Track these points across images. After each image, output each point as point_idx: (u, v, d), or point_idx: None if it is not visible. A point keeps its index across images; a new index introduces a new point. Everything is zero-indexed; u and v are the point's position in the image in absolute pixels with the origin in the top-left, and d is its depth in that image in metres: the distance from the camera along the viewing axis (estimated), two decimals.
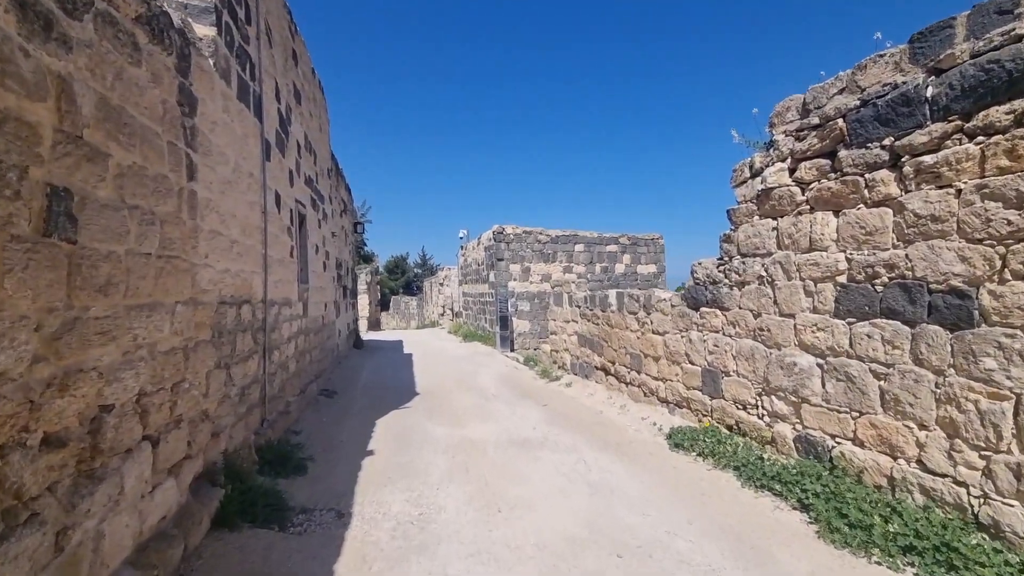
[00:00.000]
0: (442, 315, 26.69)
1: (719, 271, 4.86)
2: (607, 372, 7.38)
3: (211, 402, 3.46)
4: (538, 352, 14.02)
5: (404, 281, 58.00)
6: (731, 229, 4.71)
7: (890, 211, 3.34)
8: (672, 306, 5.63)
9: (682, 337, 5.49)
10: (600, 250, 16.34)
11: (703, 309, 5.13)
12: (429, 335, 20.28)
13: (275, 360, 5.21)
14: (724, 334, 4.82)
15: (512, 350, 14.31)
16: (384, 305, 42.66)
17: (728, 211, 4.73)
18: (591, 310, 7.89)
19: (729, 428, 4.76)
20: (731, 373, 4.73)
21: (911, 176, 3.20)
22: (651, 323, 6.08)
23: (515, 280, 15.31)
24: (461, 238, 20.61)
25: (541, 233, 15.62)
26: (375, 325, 26.56)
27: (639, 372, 6.40)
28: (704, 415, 5.14)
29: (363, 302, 22.53)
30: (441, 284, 26.92)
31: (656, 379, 6.01)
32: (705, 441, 4.59)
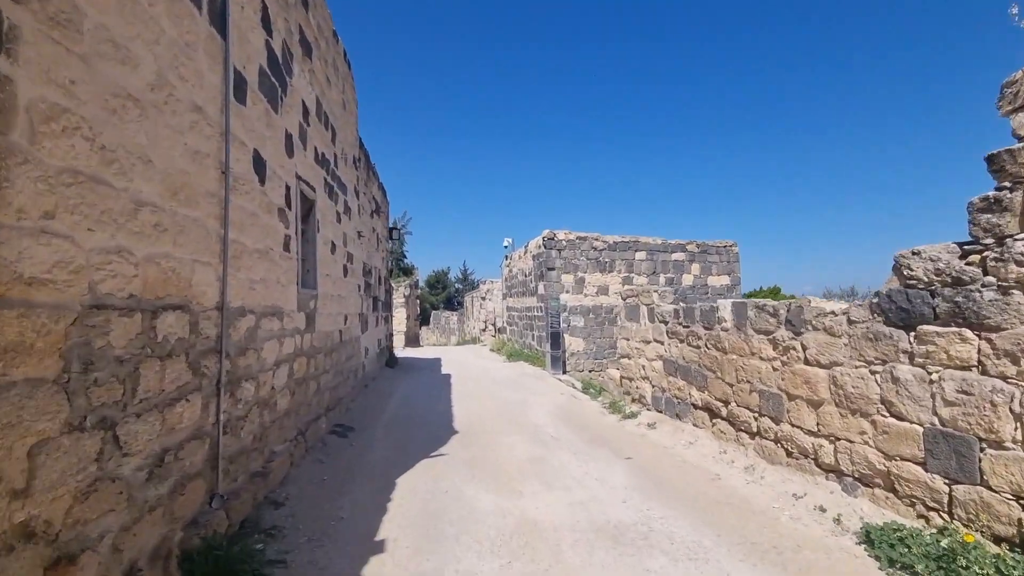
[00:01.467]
0: (484, 331, 25.00)
1: (969, 264, 2.84)
2: (714, 414, 5.35)
3: (44, 503, 1.74)
4: (599, 377, 12.02)
5: (445, 296, 57.07)
6: (1002, 188, 2.69)
7: None
8: (850, 322, 3.60)
9: (872, 373, 3.45)
10: (664, 259, 14.24)
11: (926, 328, 3.09)
12: (470, 353, 18.59)
13: (246, 397, 3.52)
14: (987, 372, 2.77)
15: (564, 372, 12.36)
16: (424, 320, 41.52)
17: (992, 157, 2.71)
18: (686, 326, 5.91)
19: (1006, 542, 2.68)
20: (1008, 442, 2.67)
21: None
22: (803, 348, 4.06)
23: (568, 292, 13.41)
24: (506, 247, 18.93)
25: (597, 239, 13.71)
26: (414, 341, 25.17)
27: (777, 420, 4.36)
28: (934, 508, 3.06)
29: (400, 316, 21.16)
30: (483, 298, 25.28)
31: (815, 434, 3.96)
32: (969, 568, 2.52)
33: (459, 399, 8.70)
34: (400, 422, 6.83)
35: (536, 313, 14.37)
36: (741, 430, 4.86)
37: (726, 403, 5.12)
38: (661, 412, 6.46)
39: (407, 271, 30.57)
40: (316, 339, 5.46)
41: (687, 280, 14.40)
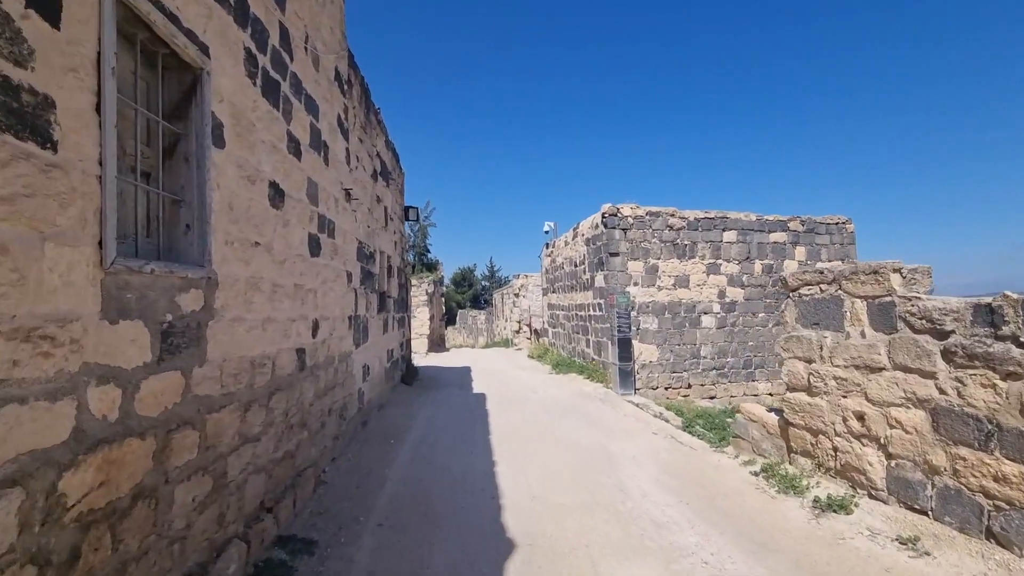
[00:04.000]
0: (517, 332, 21.97)
1: None
2: None
3: None
4: (682, 400, 8.89)
5: (471, 294, 54.43)
6: None
7: None
8: None
9: None
10: (760, 240, 10.92)
11: None
12: (503, 359, 15.57)
13: None
14: None
15: (635, 390, 9.21)
16: (450, 320, 38.85)
17: None
18: (1005, 344, 2.71)
19: None
20: None
21: None
22: None
23: (636, 285, 10.24)
24: (547, 232, 15.84)
25: (673, 215, 10.48)
26: (438, 344, 22.36)
27: None
28: None
29: (423, 316, 18.32)
30: (516, 295, 22.25)
31: None
32: None
33: (504, 447, 5.66)
34: (407, 512, 3.82)
35: (592, 312, 11.24)
36: None
37: None
38: (923, 512, 3.27)
39: (431, 267, 27.81)
40: (205, 380, 2.47)
41: (790, 268, 11.03)
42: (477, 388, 9.99)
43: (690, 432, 6.26)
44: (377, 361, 7.24)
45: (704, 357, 10.49)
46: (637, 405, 8.13)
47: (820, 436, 4.05)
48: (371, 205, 6.86)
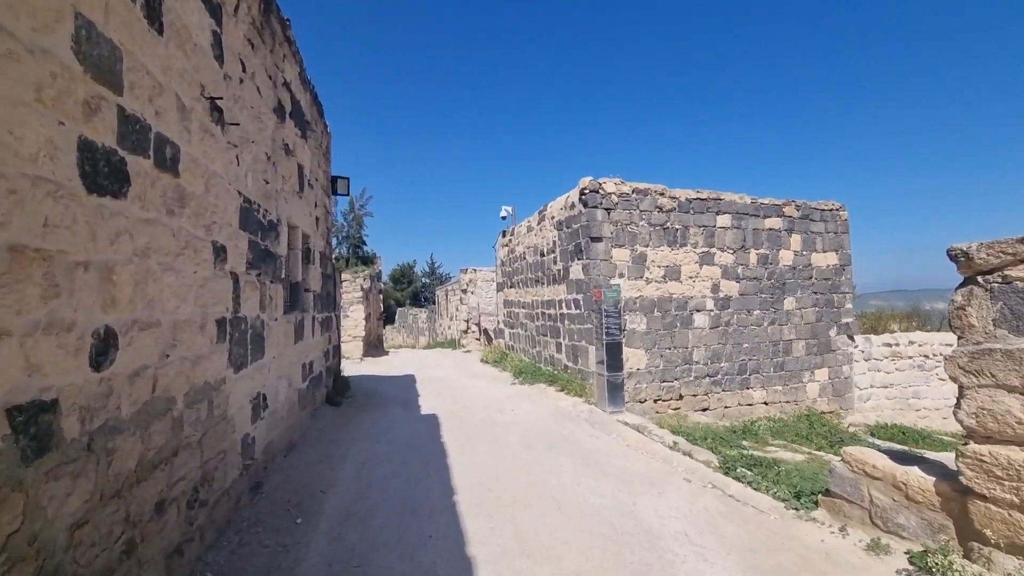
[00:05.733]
0: (465, 332, 19.85)
1: None
2: None
3: None
4: (677, 418, 7.30)
5: (411, 291, 51.61)
6: None
7: None
8: None
9: None
10: (756, 226, 9.49)
11: None
12: (453, 365, 13.41)
13: None
14: None
15: (622, 405, 7.42)
16: (388, 318, 36.06)
17: None
18: None
19: None
20: None
21: None
22: None
23: (622, 276, 8.47)
24: (504, 219, 13.86)
25: (663, 194, 8.80)
26: (376, 345, 19.80)
27: None
28: None
29: (358, 316, 15.78)
30: (464, 291, 20.10)
31: None
32: None
33: (480, 524, 3.60)
34: None
35: (566, 310, 9.37)
36: None
37: None
38: None
39: (367, 260, 25.05)
40: None
41: (785, 258, 9.71)
42: (426, 406, 7.83)
43: (734, 477, 4.48)
44: (284, 384, 4.94)
45: (697, 362, 8.90)
46: (637, 429, 6.32)
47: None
48: (271, 151, 4.55)
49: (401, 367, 13.04)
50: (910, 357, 11.32)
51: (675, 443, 5.66)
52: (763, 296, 9.46)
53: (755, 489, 4.18)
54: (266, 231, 4.31)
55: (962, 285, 2.71)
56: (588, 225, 8.30)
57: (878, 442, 7.99)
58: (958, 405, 2.69)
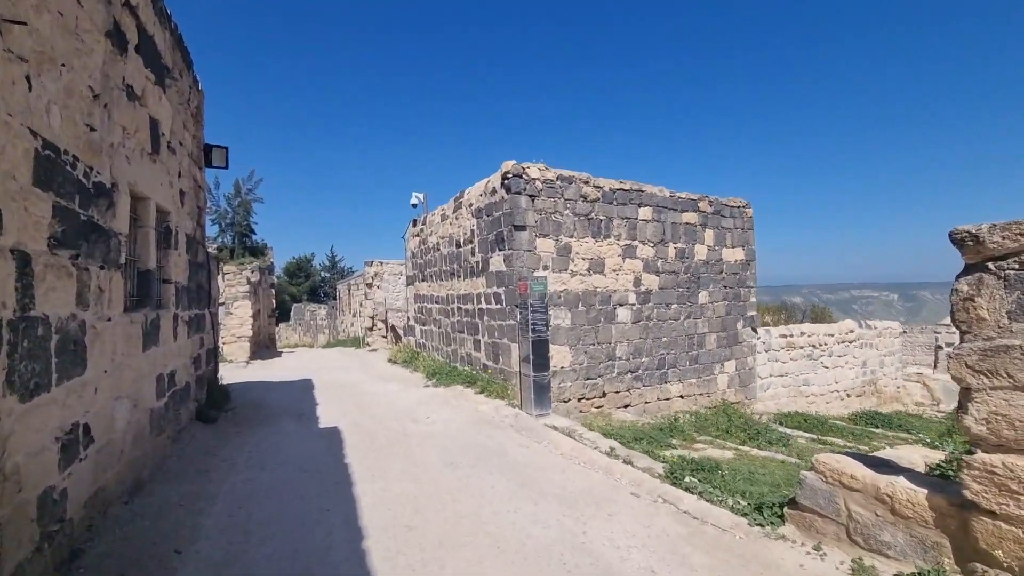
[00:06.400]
0: (371, 329, 18.44)
1: None
2: None
3: None
4: (599, 417, 6.95)
5: (309, 286, 48.09)
6: None
7: None
8: None
9: None
10: (674, 220, 9.46)
11: None
12: (357, 365, 12.14)
13: None
14: None
15: (549, 407, 6.89)
16: (283, 315, 33.11)
17: None
18: None
19: None
20: None
21: None
22: None
23: (546, 268, 7.93)
24: (415, 206, 12.82)
25: (587, 182, 8.39)
26: (267, 345, 17.70)
27: None
28: None
29: (243, 313, 13.82)
30: (369, 285, 18.65)
31: None
32: None
33: None
34: None
35: (485, 305, 8.65)
36: None
37: None
38: None
39: (257, 251, 22.44)
40: None
41: (700, 253, 9.81)
42: (326, 417, 6.72)
43: (684, 488, 4.06)
44: (125, 407, 3.68)
45: (619, 358, 8.65)
46: (569, 434, 5.79)
47: None
48: (101, 88, 3.30)
49: (297, 370, 11.53)
50: (801, 347, 12.12)
51: (612, 449, 5.19)
52: (680, 290, 9.46)
53: (709, 502, 3.77)
54: (90, 197, 3.09)
55: (965, 273, 2.40)
56: (511, 212, 7.64)
57: (788, 431, 8.26)
58: (964, 410, 2.37)
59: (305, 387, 9.10)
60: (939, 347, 18.91)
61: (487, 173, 8.57)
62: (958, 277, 2.42)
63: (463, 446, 5.34)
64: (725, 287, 10.21)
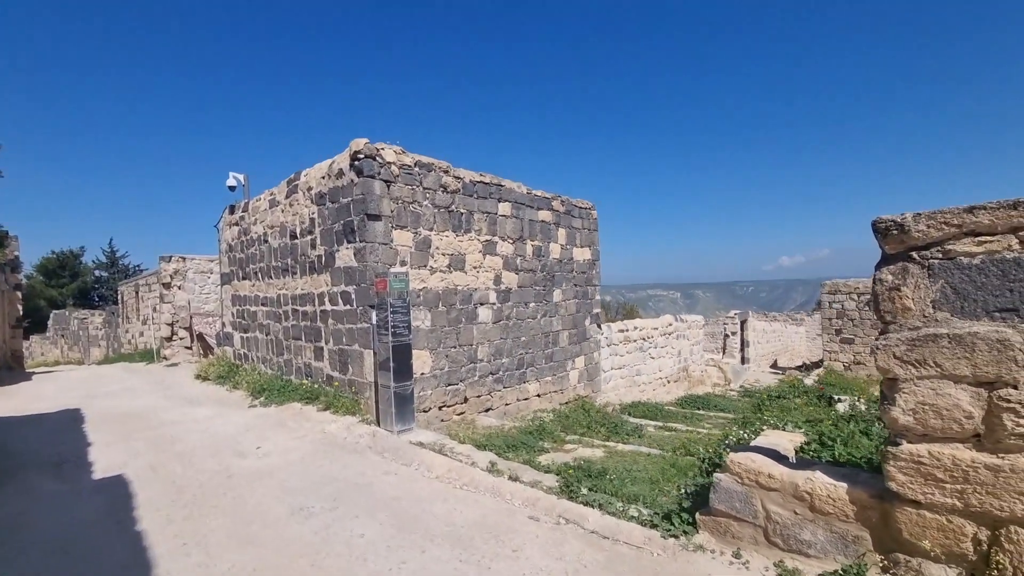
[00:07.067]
0: (170, 339, 15.14)
1: None
2: None
3: None
4: (463, 426, 6.49)
5: (77, 288, 38.61)
6: None
7: None
8: None
9: None
10: (531, 218, 9.36)
11: None
12: (152, 386, 9.59)
13: None
14: None
15: (412, 421, 6.11)
16: (36, 325, 25.92)
17: None
18: None
19: None
20: None
21: None
22: None
23: (404, 264, 7.07)
24: (232, 189, 10.66)
25: (447, 171, 7.74)
26: (9, 366, 13.20)
27: None
28: None
29: None
30: (168, 286, 15.26)
31: None
32: None
33: None
34: None
35: (330, 306, 7.40)
36: None
37: None
38: None
39: None
40: None
41: (554, 251, 9.90)
42: (104, 463, 4.93)
43: (583, 502, 3.70)
44: None
45: (481, 360, 8.19)
46: (440, 451, 5.09)
47: (1015, 531, 2.09)
48: None
49: (57, 398, 8.63)
50: (635, 341, 13.19)
51: (492, 464, 4.64)
52: (538, 288, 9.41)
53: (613, 515, 3.46)
54: None
55: (886, 263, 2.38)
56: (364, 199, 6.61)
57: (636, 420, 8.71)
58: (891, 401, 2.35)
59: (70, 422, 6.75)
60: (726, 336, 22.63)
61: (330, 153, 7.35)
62: (879, 267, 2.41)
63: (314, 483, 4.28)
64: (576, 285, 10.49)
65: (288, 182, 8.42)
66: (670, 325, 15.00)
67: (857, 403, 6.91)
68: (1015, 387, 2.05)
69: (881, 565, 2.43)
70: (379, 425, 6.04)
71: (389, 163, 6.87)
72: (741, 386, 17.48)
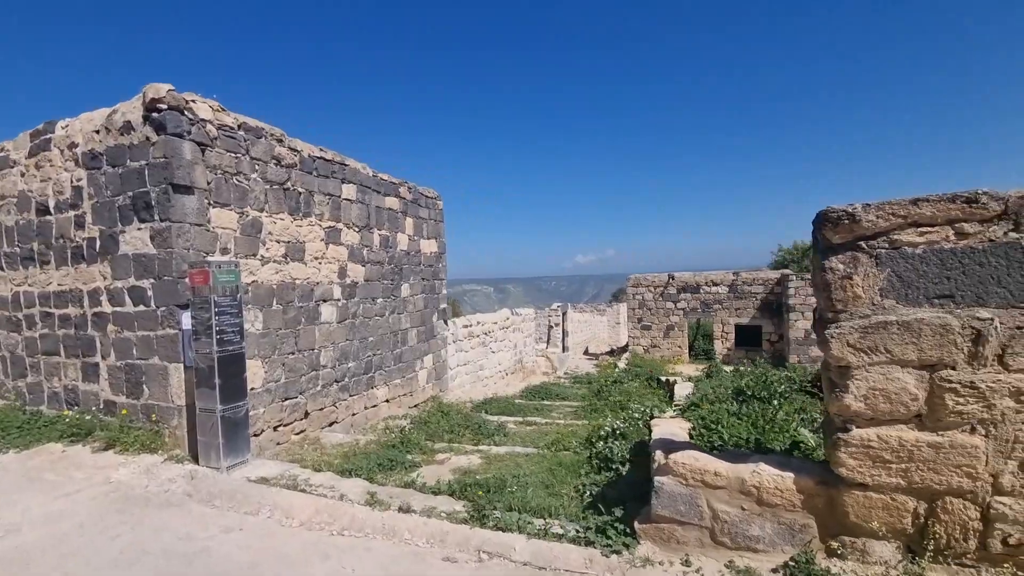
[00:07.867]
0: None
1: None
2: None
3: None
4: (312, 450, 5.54)
5: None
6: None
7: None
8: None
9: None
10: (378, 204, 8.41)
11: None
12: None
13: None
14: None
15: (247, 452, 4.83)
16: None
17: None
18: None
19: None
20: None
21: None
22: None
23: (226, 252, 5.56)
24: None
25: (281, 141, 6.37)
26: None
27: None
28: None
29: None
30: None
31: None
32: None
33: None
34: None
35: (114, 307, 5.44)
36: None
37: None
38: None
39: None
40: None
41: (402, 242, 9.08)
42: None
43: (502, 527, 3.19)
44: None
45: (324, 366, 7.01)
46: (294, 487, 4.04)
47: (950, 501, 2.25)
48: None
49: None
50: (478, 336, 13.07)
51: (372, 495, 3.83)
52: (385, 283, 8.50)
53: (540, 538, 3.04)
54: None
55: (835, 252, 2.41)
56: (168, 163, 4.96)
57: (494, 418, 8.47)
58: (843, 389, 2.37)
59: None
60: (551, 327, 24.22)
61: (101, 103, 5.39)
62: (827, 256, 2.43)
63: (110, 564, 2.92)
64: (423, 279, 9.82)
65: (33, 135, 5.99)
66: (508, 319, 15.29)
67: (689, 384, 7.75)
68: (953, 368, 2.21)
69: (826, 549, 2.48)
70: (198, 462, 4.61)
71: (204, 120, 5.30)
72: (566, 373, 18.83)
